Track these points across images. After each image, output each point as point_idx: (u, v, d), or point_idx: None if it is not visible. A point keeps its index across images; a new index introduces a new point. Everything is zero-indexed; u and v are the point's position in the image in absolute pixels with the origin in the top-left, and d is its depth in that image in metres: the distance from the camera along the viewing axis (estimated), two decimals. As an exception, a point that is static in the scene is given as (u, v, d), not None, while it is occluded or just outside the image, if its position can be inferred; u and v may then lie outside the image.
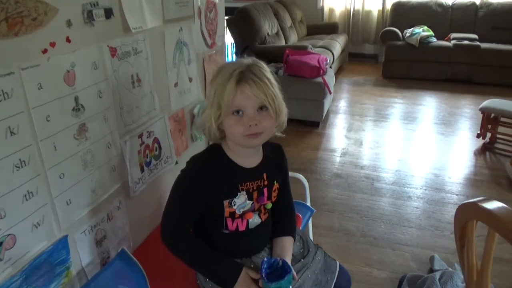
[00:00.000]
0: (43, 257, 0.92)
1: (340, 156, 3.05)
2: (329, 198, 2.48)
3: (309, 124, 3.54)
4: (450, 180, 2.70)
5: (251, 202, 1.03)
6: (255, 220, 1.07)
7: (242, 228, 1.06)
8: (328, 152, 3.12)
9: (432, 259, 1.86)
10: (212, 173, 0.99)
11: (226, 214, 1.02)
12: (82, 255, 1.08)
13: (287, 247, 1.09)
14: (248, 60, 0.95)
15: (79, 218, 1.05)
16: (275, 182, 1.08)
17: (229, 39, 4.24)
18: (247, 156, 1.03)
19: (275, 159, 1.09)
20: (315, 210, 1.82)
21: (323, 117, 3.57)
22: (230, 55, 4.61)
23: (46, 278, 0.94)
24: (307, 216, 1.82)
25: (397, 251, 2.00)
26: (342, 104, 4.28)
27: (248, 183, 1.03)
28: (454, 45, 4.93)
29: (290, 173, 1.97)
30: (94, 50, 1.04)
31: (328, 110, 3.80)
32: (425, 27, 5.19)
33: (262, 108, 0.94)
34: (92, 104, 1.04)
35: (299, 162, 2.92)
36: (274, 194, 1.09)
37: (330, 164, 2.93)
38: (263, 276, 0.95)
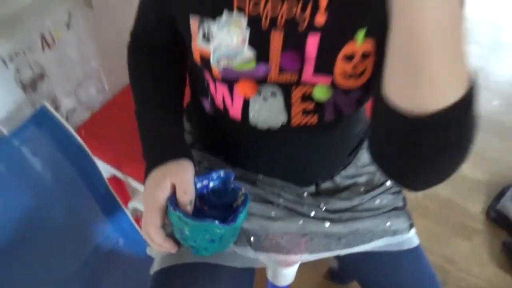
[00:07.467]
0: None
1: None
2: None
3: None
4: None
5: (260, 54, 0.41)
6: (263, 109, 0.46)
7: (234, 109, 0.48)
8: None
9: None
10: None
11: (196, 56, 0.44)
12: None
13: None
14: None
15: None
16: (360, 31, 0.38)
17: None
18: None
19: None
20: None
21: None
22: None
23: None
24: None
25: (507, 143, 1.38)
26: None
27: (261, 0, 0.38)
28: None
29: None
30: None
31: None
32: None
33: None
34: None
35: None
36: (359, 63, 0.39)
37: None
38: (172, 199, 0.45)
